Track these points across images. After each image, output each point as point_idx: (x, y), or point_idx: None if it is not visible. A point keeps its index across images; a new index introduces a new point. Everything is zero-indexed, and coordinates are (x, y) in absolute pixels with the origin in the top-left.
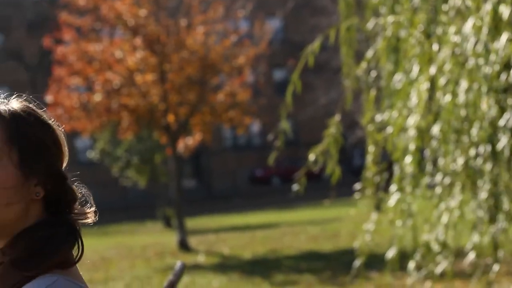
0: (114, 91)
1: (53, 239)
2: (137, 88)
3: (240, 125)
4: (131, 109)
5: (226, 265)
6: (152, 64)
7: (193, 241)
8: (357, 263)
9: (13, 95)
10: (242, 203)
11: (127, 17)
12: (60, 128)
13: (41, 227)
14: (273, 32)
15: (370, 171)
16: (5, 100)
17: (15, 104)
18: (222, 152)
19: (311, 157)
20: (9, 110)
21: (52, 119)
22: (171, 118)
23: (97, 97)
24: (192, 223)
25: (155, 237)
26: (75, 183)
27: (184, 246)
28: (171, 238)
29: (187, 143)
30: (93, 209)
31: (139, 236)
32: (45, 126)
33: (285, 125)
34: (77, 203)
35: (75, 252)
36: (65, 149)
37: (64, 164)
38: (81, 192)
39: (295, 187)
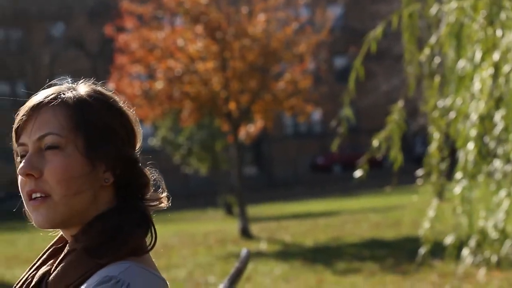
0: (175, 79)
1: (125, 227)
2: (198, 75)
3: (302, 112)
4: (193, 97)
5: (288, 253)
6: (213, 51)
7: (254, 228)
8: (422, 251)
9: (79, 81)
10: (303, 190)
11: (188, 5)
12: (131, 111)
13: (113, 215)
14: (334, 19)
15: (434, 157)
16: (73, 86)
17: (82, 88)
18: (283, 140)
19: (375, 143)
20: (74, 97)
21: (122, 102)
22: (232, 105)
23: (159, 85)
24: (253, 210)
25: (216, 225)
26: (148, 168)
27: (245, 233)
28: (233, 226)
29: (249, 130)
30: (165, 194)
31: (201, 223)
32: (113, 110)
33: (347, 111)
34: (149, 188)
35: (148, 239)
36: (138, 132)
37: (137, 147)
38: (153, 176)
39: (358, 173)
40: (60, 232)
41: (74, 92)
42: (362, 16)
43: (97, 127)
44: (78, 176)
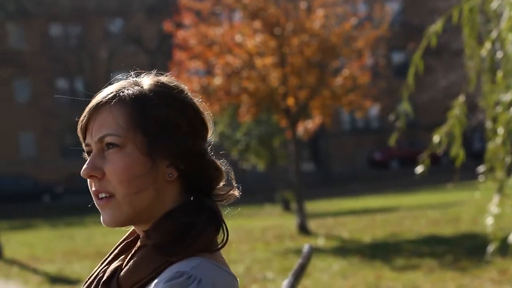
0: (234, 75)
1: (196, 225)
2: (256, 71)
3: (360, 108)
4: (251, 92)
5: (346, 249)
6: (271, 47)
7: (312, 224)
8: (490, 248)
9: (143, 74)
10: (360, 186)
11: (247, 1)
12: (197, 100)
13: (183, 212)
14: (392, 14)
15: (498, 153)
16: (137, 80)
17: (146, 82)
18: (340, 136)
19: (435, 139)
20: (133, 93)
21: (186, 93)
22: (290, 101)
23: (217, 81)
24: (310, 206)
25: (274, 220)
26: (219, 160)
27: (303, 229)
28: (290, 222)
29: (307, 126)
30: (235, 186)
31: (258, 219)
32: (175, 103)
33: (406, 106)
34: (218, 181)
35: (220, 236)
36: (207, 121)
37: (208, 137)
38: (225, 169)
39: (419, 169)
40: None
41: (135, 88)
42: (420, 11)
43: (156, 123)
44: (139, 175)
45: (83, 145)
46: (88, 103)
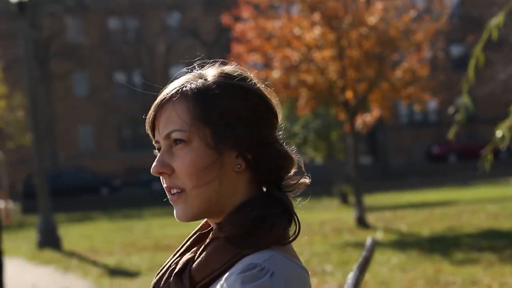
0: (292, 68)
1: (267, 218)
2: (315, 64)
3: (419, 101)
4: (310, 86)
5: (404, 242)
6: (330, 40)
7: (370, 218)
8: None
9: (208, 65)
10: (418, 180)
11: None
12: (263, 87)
13: (254, 205)
14: (451, 7)
15: None
16: (201, 72)
17: (210, 73)
18: (398, 129)
19: (498, 133)
20: (195, 87)
21: (251, 80)
22: (349, 94)
23: (276, 74)
24: (368, 200)
25: (332, 214)
26: (289, 148)
27: (362, 222)
28: (348, 215)
29: (365, 119)
30: (305, 175)
31: (316, 212)
32: (239, 92)
33: (466, 99)
34: (288, 170)
35: (292, 228)
36: (274, 108)
37: (276, 123)
38: (294, 157)
39: (481, 164)
40: None
41: (198, 81)
42: (479, 4)
43: (219, 115)
44: (205, 167)
45: (153, 142)
46: (146, 97)
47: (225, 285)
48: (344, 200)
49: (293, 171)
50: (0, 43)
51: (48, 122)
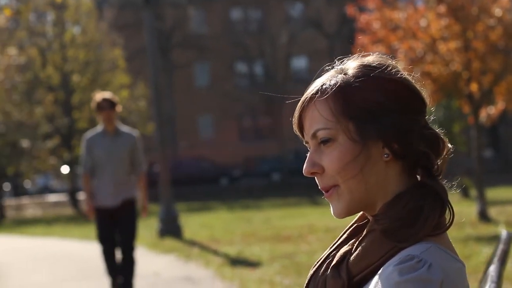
0: (417, 59)
1: (423, 210)
2: (440, 56)
3: None
4: (434, 77)
5: None
6: (455, 31)
7: (492, 211)
8: None
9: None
10: None
11: None
12: (406, 74)
13: (410, 196)
14: None
15: None
16: (342, 68)
17: (350, 67)
18: None
19: None
20: (335, 84)
21: (391, 69)
22: (474, 86)
23: (400, 65)
24: (490, 193)
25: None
26: (438, 132)
27: (484, 216)
28: (469, 209)
29: (489, 112)
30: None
31: None
32: (378, 83)
33: None
34: (439, 154)
35: (447, 216)
36: (419, 94)
37: (424, 110)
38: (445, 141)
39: None
40: None
41: (338, 76)
42: None
43: (360, 108)
44: (352, 161)
45: (304, 142)
46: (267, 87)
47: (382, 277)
48: (465, 193)
49: (445, 152)
50: (124, 34)
51: (170, 111)
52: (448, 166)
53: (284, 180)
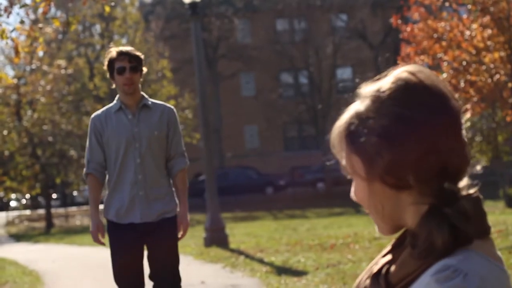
0: (461, 69)
1: (454, 224)
2: (484, 66)
3: None
4: (478, 87)
5: None
6: (500, 42)
7: None
8: None
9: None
10: None
11: None
12: (440, 94)
13: (438, 212)
14: None
15: None
16: (373, 90)
17: (363, 94)
18: None
19: None
20: (345, 120)
21: (432, 87)
22: None
23: (445, 76)
24: None
25: (496, 216)
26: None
27: None
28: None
29: None
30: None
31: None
32: (387, 111)
33: None
34: (460, 171)
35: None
36: (440, 110)
37: (447, 125)
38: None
39: None
40: None
41: (352, 108)
42: None
43: (364, 145)
44: (363, 196)
45: None
46: (312, 98)
47: (419, 287)
48: (510, 203)
49: (468, 168)
50: (170, 45)
51: (216, 122)
52: (492, 176)
53: (328, 189)
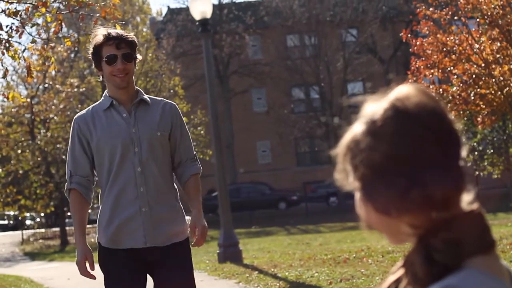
0: (471, 82)
1: (460, 242)
2: (494, 79)
3: None
4: (488, 100)
5: None
6: (509, 54)
7: None
8: None
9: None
10: None
11: (485, 9)
12: (441, 119)
13: (419, 246)
14: None
15: None
16: (372, 116)
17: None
18: None
19: None
20: (346, 142)
21: (431, 110)
22: None
23: (454, 89)
24: None
25: (509, 229)
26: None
27: None
28: None
29: None
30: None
31: (493, 227)
32: (384, 139)
33: None
34: (455, 193)
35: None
36: (441, 140)
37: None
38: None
39: None
40: None
41: (354, 130)
42: None
43: (361, 173)
44: (374, 222)
45: None
46: (323, 112)
47: None
48: None
49: (465, 193)
50: (182, 62)
51: (228, 137)
52: (504, 188)
53: (341, 204)
